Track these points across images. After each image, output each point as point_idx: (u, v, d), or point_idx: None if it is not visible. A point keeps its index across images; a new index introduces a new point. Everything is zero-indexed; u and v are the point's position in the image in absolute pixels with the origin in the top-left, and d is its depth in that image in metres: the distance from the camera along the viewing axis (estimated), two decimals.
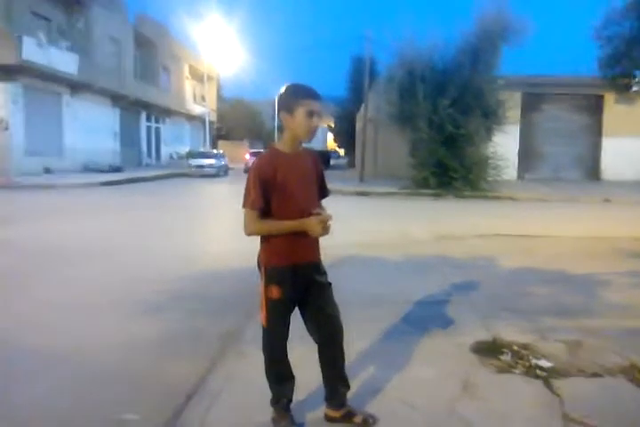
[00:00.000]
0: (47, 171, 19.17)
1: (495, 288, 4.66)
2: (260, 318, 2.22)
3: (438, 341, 3.30)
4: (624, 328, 3.57)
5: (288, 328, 2.24)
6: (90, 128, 22.57)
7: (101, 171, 21.04)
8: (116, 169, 22.10)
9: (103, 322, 3.75)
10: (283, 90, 2.13)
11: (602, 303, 4.21)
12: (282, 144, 2.17)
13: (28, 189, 14.43)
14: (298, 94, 2.09)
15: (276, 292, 2.12)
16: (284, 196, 2.09)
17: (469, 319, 3.72)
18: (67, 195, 13.57)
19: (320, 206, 2.25)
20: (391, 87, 16.46)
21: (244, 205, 2.09)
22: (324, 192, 2.34)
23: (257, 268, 2.23)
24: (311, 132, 2.12)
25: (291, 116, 2.08)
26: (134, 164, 26.84)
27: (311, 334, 2.26)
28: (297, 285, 2.15)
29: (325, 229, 2.09)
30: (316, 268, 2.24)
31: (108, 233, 7.77)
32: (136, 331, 3.52)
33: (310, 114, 2.07)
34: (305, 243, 2.16)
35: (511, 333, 3.41)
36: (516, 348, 3.15)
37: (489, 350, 3.13)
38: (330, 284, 2.27)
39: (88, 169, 21.49)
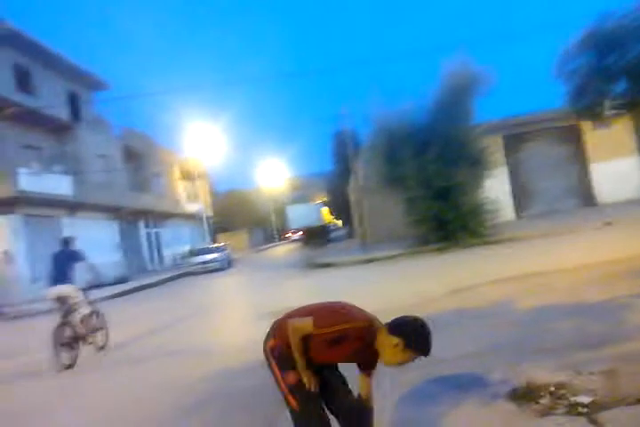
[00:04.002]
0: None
1: (518, 331, 4.62)
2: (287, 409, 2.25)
3: (474, 395, 3.25)
4: None
5: (324, 410, 2.25)
6: (91, 244, 22.85)
7: (107, 284, 21.11)
8: (122, 280, 22.18)
9: None
10: (419, 325, 2.15)
11: (627, 327, 4.18)
12: (377, 345, 2.18)
13: (37, 315, 14.42)
14: (420, 345, 2.10)
15: (292, 377, 2.18)
16: (329, 353, 2.22)
17: (499, 367, 3.67)
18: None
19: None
20: (376, 154, 17.06)
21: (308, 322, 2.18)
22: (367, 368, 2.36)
23: (266, 358, 2.31)
24: (393, 366, 2.20)
25: (402, 348, 2.09)
26: (138, 271, 27.00)
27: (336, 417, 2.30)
28: (314, 368, 2.22)
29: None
30: None
31: (125, 341, 7.70)
32: None
33: (411, 359, 2.14)
34: None
35: (544, 374, 3.38)
36: (552, 388, 3.11)
37: (526, 395, 3.09)
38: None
39: (94, 285, 21.54)
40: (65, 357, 6.20)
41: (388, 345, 2.12)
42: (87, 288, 7.36)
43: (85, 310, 6.94)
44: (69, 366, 6.16)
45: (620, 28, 14.59)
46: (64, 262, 6.90)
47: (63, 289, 6.72)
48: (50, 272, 6.89)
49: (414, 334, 2.10)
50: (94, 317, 7.17)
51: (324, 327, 2.14)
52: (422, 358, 2.13)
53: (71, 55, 24.12)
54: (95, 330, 7.06)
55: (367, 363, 2.30)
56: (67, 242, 7.34)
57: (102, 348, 7.07)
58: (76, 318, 6.70)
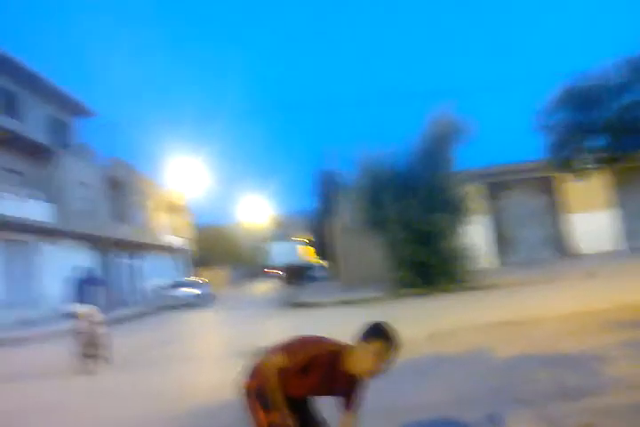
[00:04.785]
0: (23, 323, 18.58)
1: (496, 380, 4.59)
2: None
3: None
4: (630, 403, 3.54)
5: None
6: (68, 273, 22.43)
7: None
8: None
9: None
10: (373, 324, 2.33)
11: (603, 380, 4.19)
12: (345, 360, 2.22)
13: (14, 344, 13.89)
14: (374, 333, 2.24)
15: (273, 416, 2.16)
16: (300, 383, 2.23)
17: (475, 417, 3.63)
18: (45, 347, 13.09)
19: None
20: (358, 196, 17.26)
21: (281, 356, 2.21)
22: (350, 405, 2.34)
23: (245, 398, 2.28)
24: (368, 373, 2.20)
25: (362, 343, 2.21)
26: (116, 303, 26.35)
27: None
28: (292, 407, 2.20)
29: None
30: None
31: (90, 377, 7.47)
32: None
33: (376, 355, 2.16)
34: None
35: (521, 425, 3.34)
36: None
37: None
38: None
39: (68, 316, 20.92)
40: (89, 365, 7.84)
41: (356, 355, 2.18)
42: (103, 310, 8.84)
43: (103, 329, 8.52)
44: (91, 373, 7.65)
45: (597, 88, 15.24)
46: (88, 287, 8.55)
47: (88, 309, 8.32)
48: (75, 295, 8.55)
49: (368, 327, 2.27)
50: (106, 335, 8.62)
51: (294, 356, 2.17)
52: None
53: (58, 82, 24.18)
54: (106, 346, 8.48)
55: (342, 391, 2.26)
56: (90, 271, 9.26)
57: (107, 360, 8.39)
58: (98, 334, 8.26)
